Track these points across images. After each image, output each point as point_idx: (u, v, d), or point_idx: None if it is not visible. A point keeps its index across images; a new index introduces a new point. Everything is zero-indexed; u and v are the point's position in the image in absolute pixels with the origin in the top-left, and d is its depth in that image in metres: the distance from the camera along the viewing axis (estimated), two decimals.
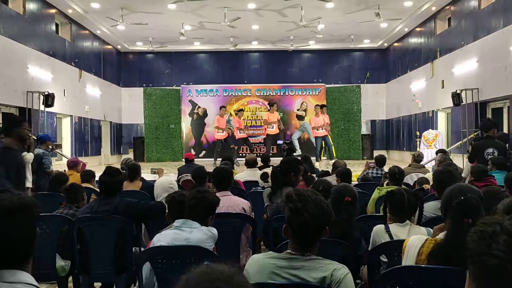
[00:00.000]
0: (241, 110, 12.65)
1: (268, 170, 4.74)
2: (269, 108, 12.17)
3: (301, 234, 1.64)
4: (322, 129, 11.46)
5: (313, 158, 11.03)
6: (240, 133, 12.08)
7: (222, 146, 11.86)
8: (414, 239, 1.97)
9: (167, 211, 2.88)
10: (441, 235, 1.93)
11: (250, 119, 14.63)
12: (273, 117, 11.87)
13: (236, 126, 12.00)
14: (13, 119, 3.50)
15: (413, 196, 2.69)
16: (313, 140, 13.64)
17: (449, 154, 7.13)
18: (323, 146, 11.91)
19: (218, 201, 2.60)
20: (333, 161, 8.91)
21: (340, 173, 4.71)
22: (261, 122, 14.53)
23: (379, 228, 2.61)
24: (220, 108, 12.22)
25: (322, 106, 11.89)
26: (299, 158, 6.79)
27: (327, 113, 12.05)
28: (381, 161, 6.45)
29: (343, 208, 2.58)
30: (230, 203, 3.48)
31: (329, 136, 11.70)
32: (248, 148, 12.79)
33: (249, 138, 12.67)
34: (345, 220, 2.56)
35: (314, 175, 5.38)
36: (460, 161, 8.76)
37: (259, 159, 7.01)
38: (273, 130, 11.89)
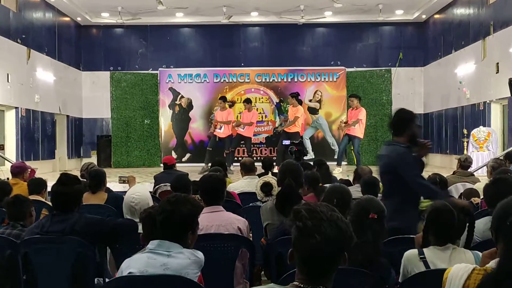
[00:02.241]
0: (249, 100, 12.65)
1: (270, 179, 4.70)
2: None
3: (311, 262, 1.65)
4: (354, 125, 11.21)
5: (331, 164, 11.07)
6: (241, 129, 12.13)
7: (218, 147, 11.93)
8: (458, 269, 1.97)
9: (141, 231, 2.88)
10: (492, 263, 1.93)
11: None
12: (291, 112, 11.82)
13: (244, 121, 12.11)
14: (406, 117, 4.07)
15: (463, 212, 2.71)
16: (330, 140, 13.67)
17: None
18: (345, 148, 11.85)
19: (197, 209, 2.60)
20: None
21: (364, 183, 4.71)
22: (261, 117, 14.55)
23: (411, 254, 2.63)
24: (221, 99, 12.23)
25: (356, 97, 11.62)
26: (312, 163, 6.82)
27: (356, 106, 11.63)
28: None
29: (367, 228, 2.60)
30: (221, 221, 3.50)
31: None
32: (246, 150, 12.80)
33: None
34: (370, 243, 2.57)
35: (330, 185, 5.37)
36: None
37: (259, 164, 7.00)
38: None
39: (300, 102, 12.08)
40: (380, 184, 4.39)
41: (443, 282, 1.99)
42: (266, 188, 4.62)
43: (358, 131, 11.25)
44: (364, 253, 2.49)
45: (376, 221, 2.66)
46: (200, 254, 2.53)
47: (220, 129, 11.95)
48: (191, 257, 2.45)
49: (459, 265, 2.03)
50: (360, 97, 11.81)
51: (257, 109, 14.42)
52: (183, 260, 2.42)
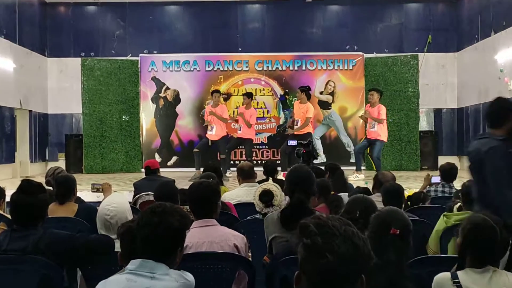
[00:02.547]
0: (251, 94, 12.66)
1: (270, 186, 4.71)
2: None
3: (322, 286, 1.64)
4: (374, 127, 11.28)
5: (346, 169, 11.05)
6: (239, 130, 12.14)
7: (208, 148, 11.92)
8: None
9: (118, 249, 2.88)
10: None
11: None
12: (298, 110, 11.73)
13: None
14: (506, 107, 4.07)
15: (505, 229, 2.73)
16: (345, 140, 13.67)
17: None
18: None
19: (187, 221, 2.62)
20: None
21: (386, 192, 4.72)
22: (263, 112, 14.55)
23: (443, 277, 2.65)
24: (213, 93, 12.22)
25: (377, 91, 11.64)
26: (324, 168, 6.83)
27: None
28: (449, 172, 6.47)
29: (388, 245, 2.60)
30: (215, 237, 3.52)
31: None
32: (245, 153, 12.79)
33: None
34: (392, 264, 2.57)
35: (345, 194, 5.39)
36: None
37: (259, 169, 7.01)
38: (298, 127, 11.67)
39: (309, 97, 11.98)
40: (406, 193, 4.40)
41: None
42: (265, 197, 4.60)
43: (382, 132, 11.27)
44: (385, 275, 2.50)
45: (400, 238, 2.67)
46: (190, 277, 2.54)
47: (211, 130, 11.85)
48: (179, 280, 2.46)
49: None
50: (382, 92, 11.79)
51: (257, 103, 14.44)
52: (169, 283, 2.43)
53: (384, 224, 2.69)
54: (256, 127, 13.57)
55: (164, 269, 2.45)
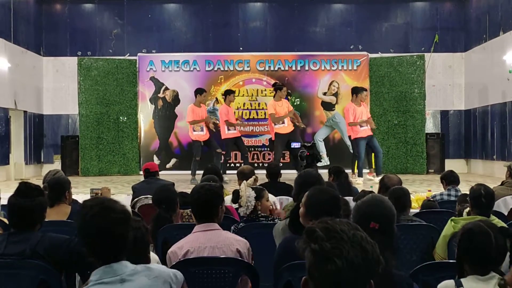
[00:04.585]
0: (231, 92, 12.55)
1: (242, 185, 4.74)
2: (275, 93, 11.98)
3: None
4: (366, 125, 11.43)
5: (351, 172, 11.14)
6: (229, 129, 12.04)
7: (203, 152, 11.87)
8: None
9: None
10: None
11: (247, 108, 14.64)
12: (282, 108, 11.74)
13: (223, 118, 11.97)
14: None
15: (501, 233, 2.73)
16: (349, 142, 13.66)
17: None
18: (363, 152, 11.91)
19: (129, 214, 2.52)
20: (379, 177, 8.94)
21: (391, 195, 4.72)
22: (264, 113, 14.54)
23: (447, 285, 2.65)
24: (197, 93, 12.03)
25: (362, 90, 11.87)
26: (328, 171, 6.84)
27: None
28: (451, 177, 6.54)
29: None
30: (217, 242, 3.52)
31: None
32: (241, 155, 12.76)
33: (242, 138, 12.53)
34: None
35: (351, 198, 5.40)
36: None
37: (262, 171, 7.02)
38: (285, 126, 11.71)
39: None
40: (413, 196, 4.40)
41: None
42: (233, 195, 4.75)
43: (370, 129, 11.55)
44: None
45: (379, 232, 2.58)
46: (155, 267, 2.51)
47: (201, 130, 11.76)
48: (150, 275, 2.42)
49: None
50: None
51: (258, 104, 14.46)
52: (141, 282, 2.39)
53: (364, 217, 2.64)
54: (257, 128, 13.58)
55: (129, 266, 2.40)
